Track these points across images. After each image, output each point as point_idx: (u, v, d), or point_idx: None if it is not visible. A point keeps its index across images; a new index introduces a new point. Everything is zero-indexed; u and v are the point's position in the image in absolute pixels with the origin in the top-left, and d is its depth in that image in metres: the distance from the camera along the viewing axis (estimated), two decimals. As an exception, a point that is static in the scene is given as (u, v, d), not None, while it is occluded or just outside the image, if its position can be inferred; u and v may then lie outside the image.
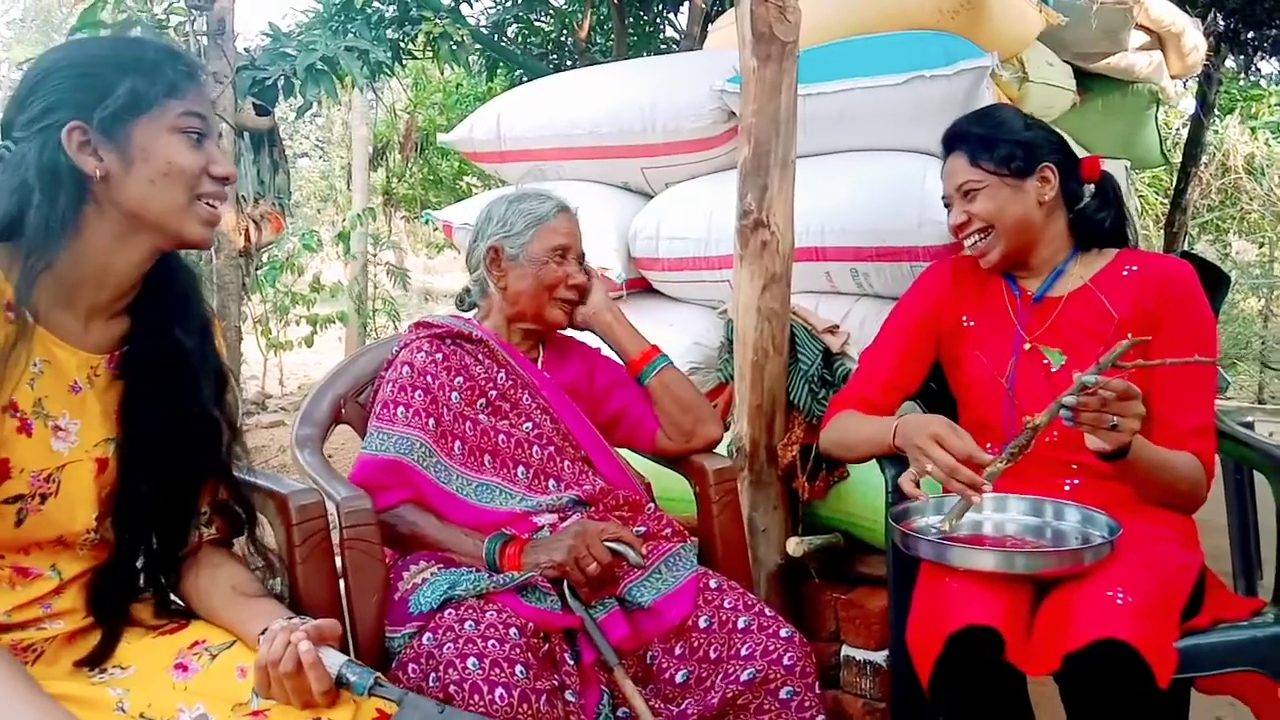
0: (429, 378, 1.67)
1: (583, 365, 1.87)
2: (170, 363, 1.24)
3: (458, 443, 1.66)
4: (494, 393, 1.72)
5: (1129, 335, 1.59)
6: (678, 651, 1.54)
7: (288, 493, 1.46)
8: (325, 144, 11.98)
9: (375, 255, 7.54)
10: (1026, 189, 1.71)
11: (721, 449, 1.95)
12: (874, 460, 1.79)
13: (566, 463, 1.73)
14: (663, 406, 1.81)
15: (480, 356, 1.74)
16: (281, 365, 7.49)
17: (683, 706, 1.48)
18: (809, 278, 2.48)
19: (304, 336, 6.73)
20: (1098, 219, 1.75)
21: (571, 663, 1.45)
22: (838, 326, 2.34)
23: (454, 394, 1.69)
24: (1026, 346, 1.71)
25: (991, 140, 1.73)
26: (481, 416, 1.70)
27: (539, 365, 1.82)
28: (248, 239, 3.75)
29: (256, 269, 4.06)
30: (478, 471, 1.66)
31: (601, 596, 1.54)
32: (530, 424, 1.73)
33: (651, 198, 2.88)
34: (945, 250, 2.27)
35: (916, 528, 1.55)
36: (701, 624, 1.55)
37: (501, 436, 1.70)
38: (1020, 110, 1.86)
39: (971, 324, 1.79)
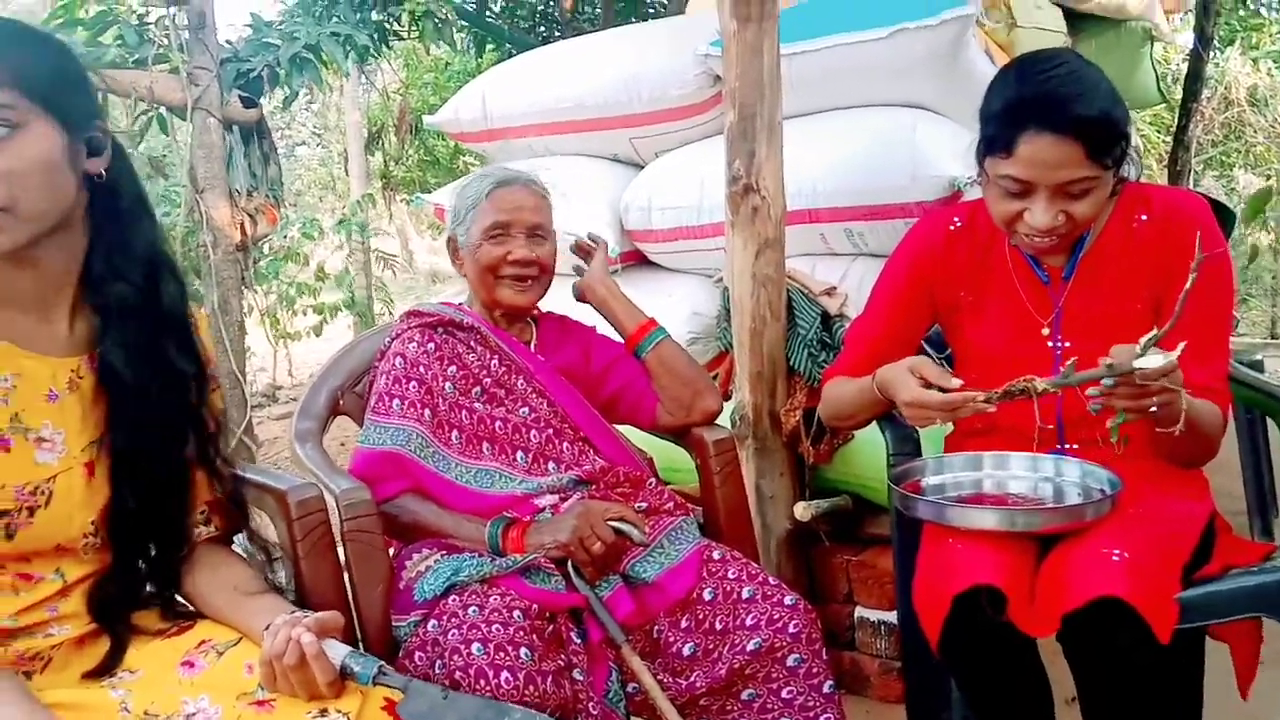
0: (422, 368, 1.67)
1: (578, 346, 1.85)
2: (140, 356, 1.21)
3: (455, 432, 1.66)
4: (488, 380, 1.72)
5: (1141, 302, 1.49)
6: (684, 624, 1.54)
7: (287, 488, 1.45)
8: (322, 131, 11.92)
9: (364, 243, 7.50)
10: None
11: (724, 418, 1.94)
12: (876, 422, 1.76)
13: (566, 444, 1.72)
14: (660, 381, 1.80)
15: (473, 344, 1.74)
16: (290, 356, 7.50)
17: (691, 679, 1.49)
18: (803, 240, 2.46)
19: (312, 326, 6.73)
20: None
21: (578, 641, 1.45)
22: (835, 288, 2.32)
23: (448, 384, 1.68)
24: (1045, 331, 1.57)
25: (1114, 127, 1.41)
26: (477, 404, 1.70)
27: (532, 348, 1.81)
28: (244, 233, 3.72)
29: (256, 262, 4.03)
30: (476, 459, 1.66)
31: (606, 575, 1.54)
32: (527, 408, 1.72)
33: (642, 168, 2.85)
34: (939, 204, 2.24)
35: (919, 488, 1.54)
36: (706, 596, 1.55)
37: (498, 423, 1.70)
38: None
39: (970, 299, 1.64)
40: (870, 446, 2.16)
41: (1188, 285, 1.26)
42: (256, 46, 4.09)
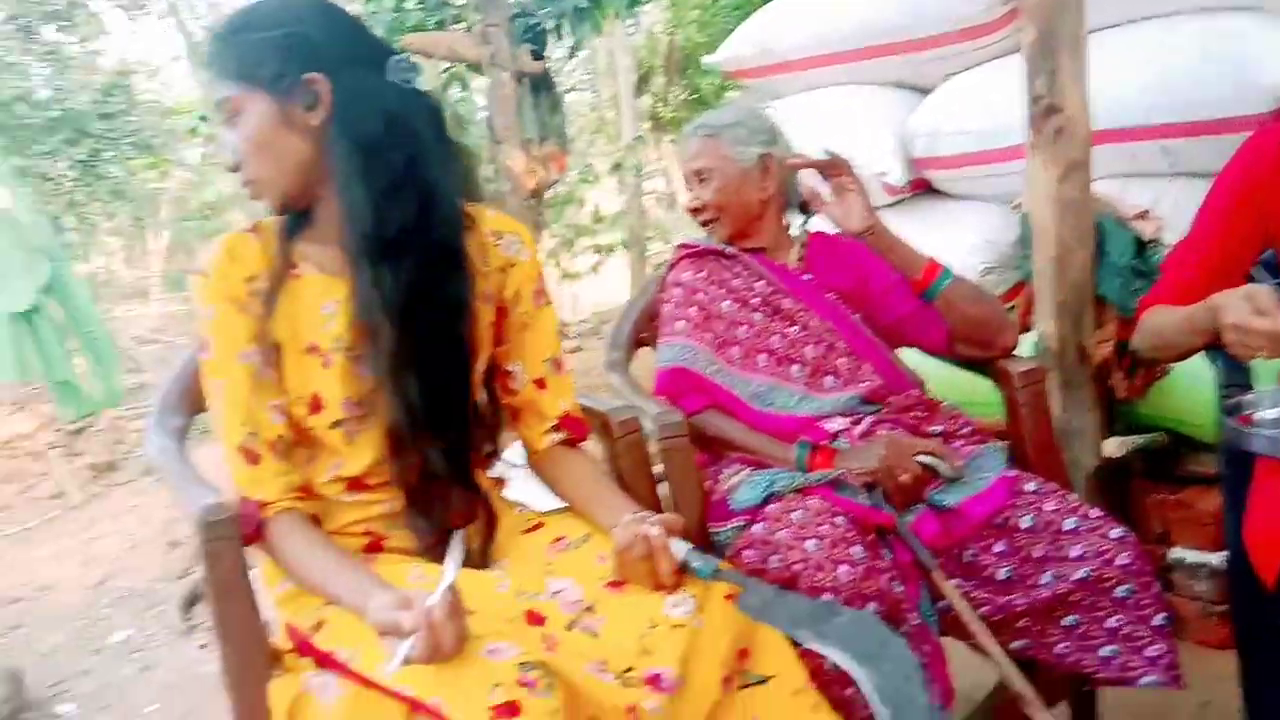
0: (700, 294, 1.77)
1: (852, 267, 1.83)
2: (379, 286, 1.27)
3: (734, 348, 1.74)
4: (756, 300, 1.78)
5: None
6: (997, 549, 1.53)
7: (608, 410, 1.59)
8: (592, 75, 12.31)
9: (637, 184, 7.71)
10: None
11: (1024, 349, 1.88)
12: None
13: (840, 360, 1.75)
14: (953, 323, 1.76)
15: (738, 270, 1.81)
16: (575, 295, 7.91)
17: (1009, 599, 1.49)
18: (1112, 161, 2.31)
19: (591, 265, 7.10)
20: None
21: (889, 558, 1.47)
22: (1148, 211, 2.17)
23: (724, 303, 1.77)
24: None
25: None
26: (755, 316, 1.76)
27: (801, 270, 1.83)
28: (536, 180, 3.98)
29: (546, 208, 4.31)
30: (753, 372, 1.72)
31: (910, 506, 1.55)
32: (797, 326, 1.76)
33: (928, 93, 2.77)
34: (1272, 118, 2.03)
35: (1252, 421, 1.44)
36: (1024, 524, 1.53)
37: (775, 338, 1.75)
38: None
39: None
40: (1189, 380, 2.03)
41: None
42: (542, 0, 4.31)
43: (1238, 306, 1.33)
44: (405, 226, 1.27)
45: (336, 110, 1.25)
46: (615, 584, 1.26)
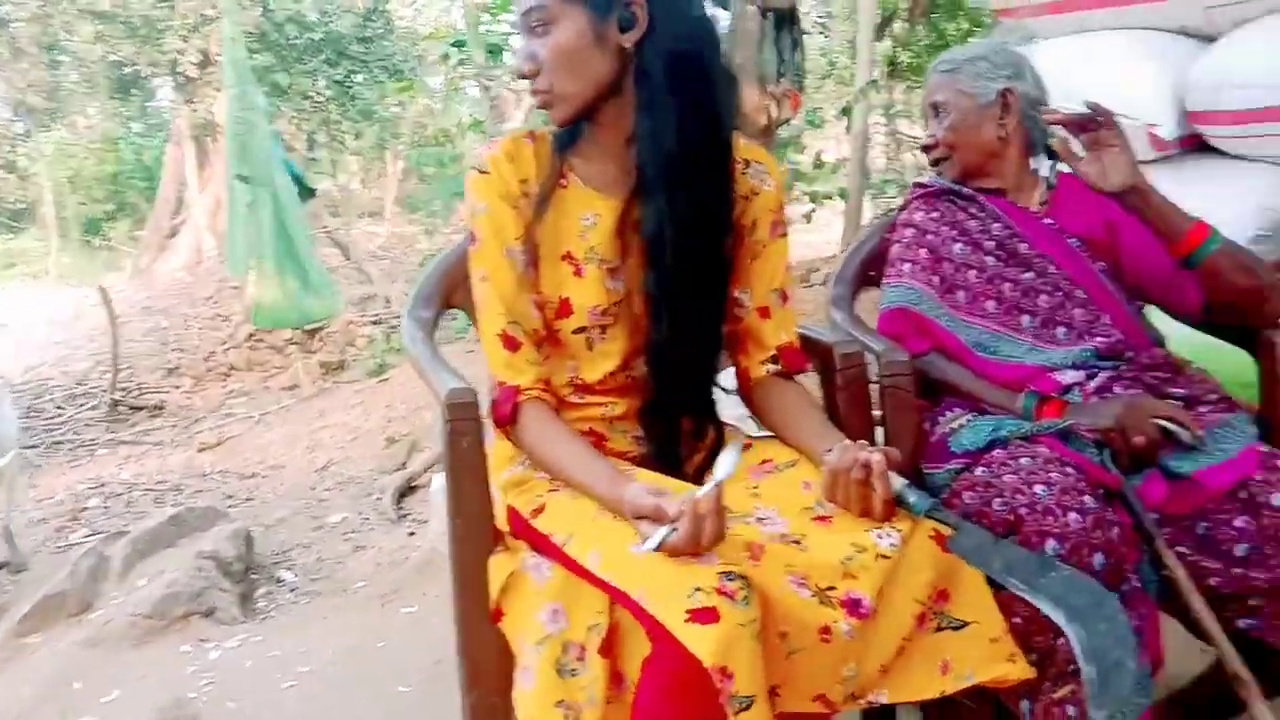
0: (930, 235, 1.73)
1: (1099, 214, 1.71)
2: (667, 211, 1.33)
3: (961, 292, 1.69)
4: (990, 243, 1.71)
5: None
6: (1238, 523, 1.42)
7: (833, 342, 1.58)
8: (826, 18, 11.98)
9: (887, 125, 7.44)
10: None
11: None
12: None
13: (1076, 310, 1.66)
14: (1213, 290, 1.60)
15: (973, 211, 1.75)
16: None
17: (1245, 573, 1.39)
18: None
19: (804, 213, 6.96)
20: None
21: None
22: None
23: (955, 245, 1.72)
24: None
25: None
26: (988, 259, 1.70)
27: (1042, 214, 1.74)
28: (768, 118, 3.92)
29: (775, 147, 4.24)
30: (980, 318, 1.67)
31: (1140, 470, 1.46)
32: (1031, 273, 1.68)
33: (1213, 41, 2.52)
34: None
35: None
36: (1275, 501, 1.41)
37: (1007, 285, 1.68)
38: None
39: None
40: None
41: None
42: (793, -67, 4.19)
43: None
44: (700, 149, 1.33)
45: (652, 33, 1.30)
46: (822, 518, 1.26)
